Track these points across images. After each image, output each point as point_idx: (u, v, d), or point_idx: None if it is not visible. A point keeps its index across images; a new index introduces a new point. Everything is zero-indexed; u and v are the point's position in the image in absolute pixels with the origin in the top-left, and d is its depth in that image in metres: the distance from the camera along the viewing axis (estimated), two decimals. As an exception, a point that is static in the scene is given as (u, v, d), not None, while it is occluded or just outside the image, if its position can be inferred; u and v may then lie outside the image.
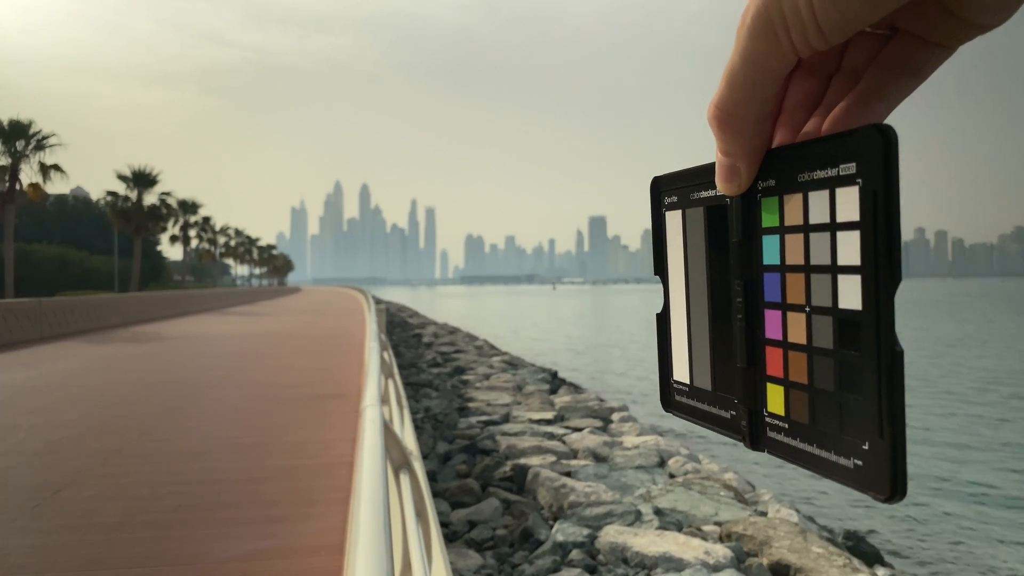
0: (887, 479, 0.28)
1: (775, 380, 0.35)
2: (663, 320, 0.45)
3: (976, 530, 6.93)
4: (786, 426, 0.34)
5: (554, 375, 15.58)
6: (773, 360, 0.35)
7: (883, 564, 5.56)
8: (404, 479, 2.72)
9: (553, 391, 13.10)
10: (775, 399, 0.35)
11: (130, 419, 5.59)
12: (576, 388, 14.00)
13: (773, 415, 0.35)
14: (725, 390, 0.39)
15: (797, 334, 0.33)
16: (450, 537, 5.21)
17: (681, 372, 0.44)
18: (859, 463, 0.30)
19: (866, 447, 0.29)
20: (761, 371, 0.36)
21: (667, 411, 0.46)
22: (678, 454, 7.85)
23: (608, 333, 37.43)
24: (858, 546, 5.74)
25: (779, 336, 0.35)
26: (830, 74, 0.35)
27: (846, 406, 0.30)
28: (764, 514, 5.84)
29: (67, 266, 38.57)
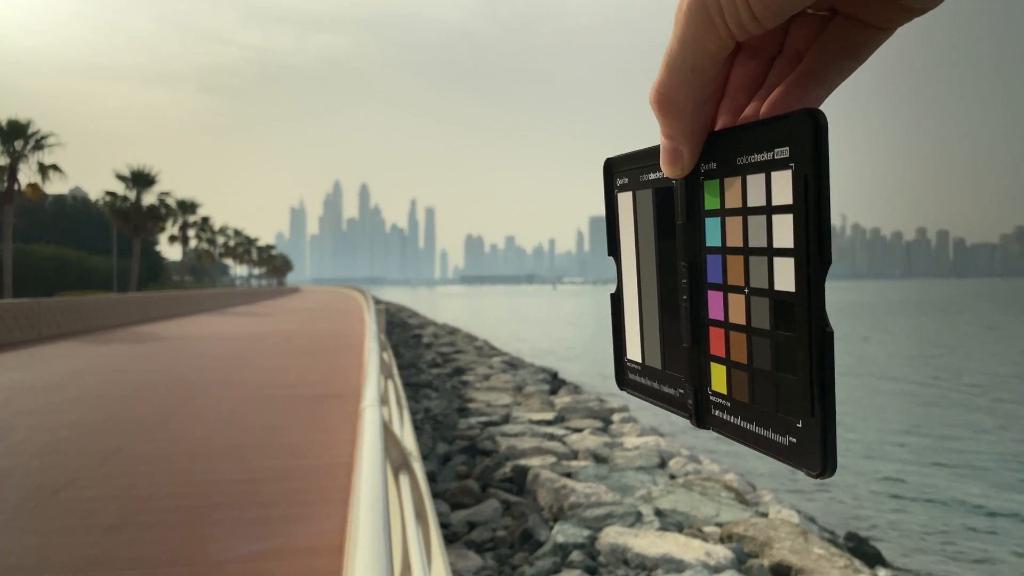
0: (818, 456, 0.29)
1: (718, 360, 0.36)
2: (617, 301, 0.46)
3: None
4: (728, 404, 0.35)
5: (554, 375, 15.57)
6: (716, 340, 0.36)
7: (884, 565, 5.55)
8: (404, 480, 2.71)
9: (553, 392, 13.09)
10: (718, 378, 0.36)
11: (129, 420, 5.57)
12: (576, 389, 14.00)
13: (716, 394, 0.36)
14: (674, 369, 0.40)
15: (737, 315, 0.34)
16: (450, 538, 5.20)
17: (634, 351, 0.45)
18: (793, 440, 0.30)
19: (799, 425, 0.30)
20: (705, 351, 0.37)
21: (621, 389, 0.47)
22: (679, 455, 7.85)
23: (608, 333, 37.40)
24: (859, 547, 5.73)
25: (721, 317, 0.35)
26: (773, 56, 0.35)
27: (782, 385, 0.31)
28: (765, 515, 5.83)
29: (66, 266, 38.55)
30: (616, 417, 10.23)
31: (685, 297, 0.38)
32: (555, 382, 14.45)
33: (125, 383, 7.64)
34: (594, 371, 20.34)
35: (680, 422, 12.35)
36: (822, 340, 0.29)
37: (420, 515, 2.60)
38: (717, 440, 10.95)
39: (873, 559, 5.59)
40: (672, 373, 0.40)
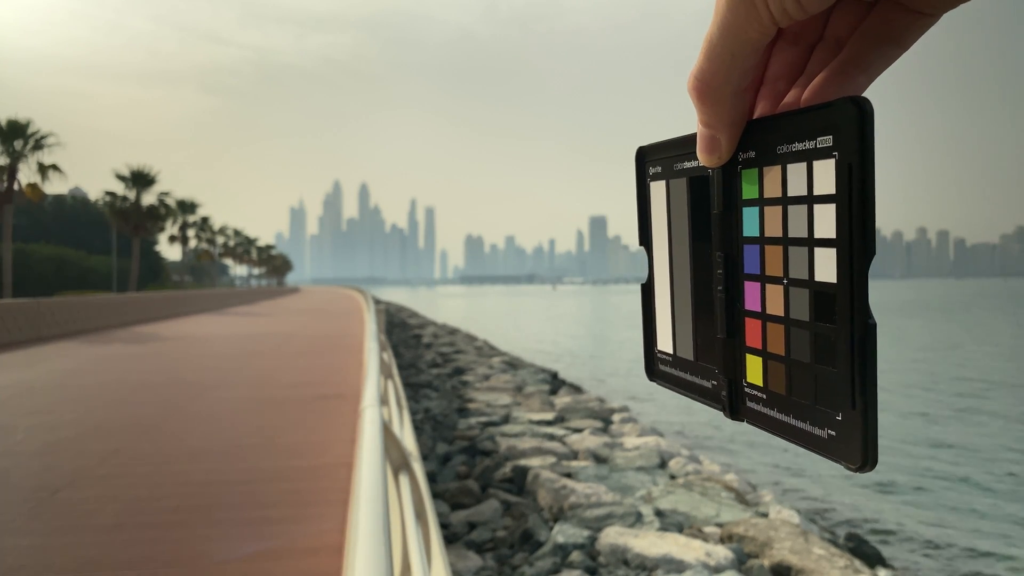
0: (858, 449, 0.29)
1: (754, 351, 0.35)
2: (647, 291, 0.45)
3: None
4: (764, 396, 0.35)
5: (554, 376, 15.56)
6: (752, 331, 0.35)
7: (885, 565, 5.55)
8: (404, 480, 2.71)
9: (553, 392, 13.09)
10: (754, 370, 0.35)
11: (128, 420, 5.57)
12: (576, 389, 13.99)
13: (752, 385, 0.36)
14: (706, 360, 0.40)
15: (775, 306, 0.34)
16: (450, 538, 5.19)
17: (665, 342, 0.44)
18: (832, 433, 0.30)
19: (839, 418, 0.30)
20: (740, 342, 0.36)
21: (651, 380, 0.47)
22: (679, 455, 7.84)
23: (608, 333, 37.43)
24: (860, 547, 5.73)
25: (758, 308, 0.35)
26: (813, 44, 0.34)
27: (821, 377, 0.31)
28: (765, 515, 5.83)
29: (65, 266, 38.52)
30: (616, 417, 10.22)
31: (720, 288, 0.37)
32: (555, 382, 14.44)
33: (124, 383, 7.64)
34: (594, 371, 20.35)
35: (680, 422, 12.35)
36: (864, 332, 0.28)
37: (420, 515, 2.60)
38: (717, 439, 10.95)
39: (873, 559, 5.58)
40: (705, 364, 0.40)
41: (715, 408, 0.39)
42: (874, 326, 0.28)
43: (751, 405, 0.36)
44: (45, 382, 7.84)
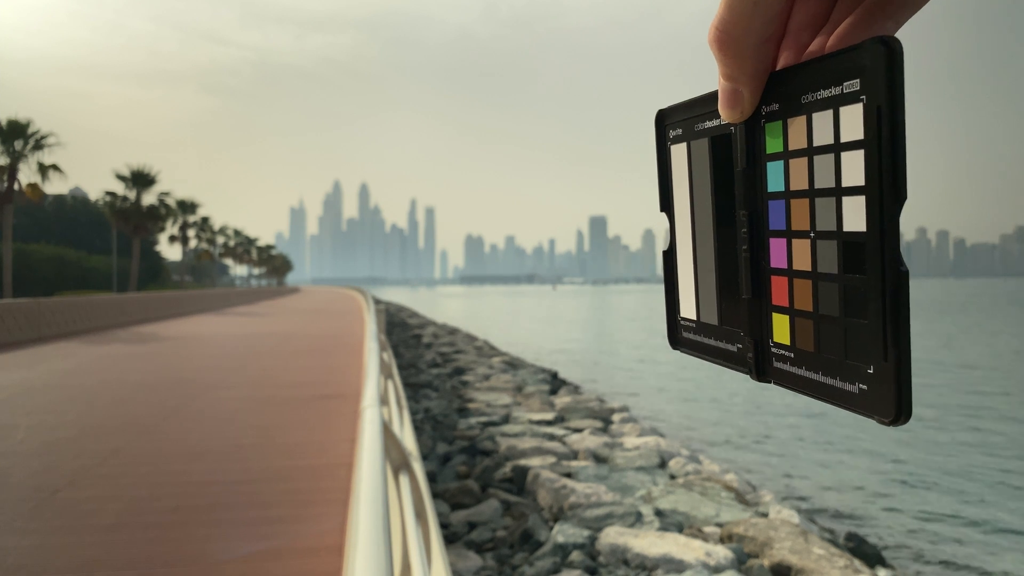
0: (892, 401, 0.28)
1: (780, 310, 0.35)
2: (669, 257, 0.44)
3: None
4: (792, 355, 0.34)
5: (554, 376, 15.56)
6: (778, 289, 0.35)
7: (884, 565, 5.55)
8: (404, 480, 2.71)
9: (553, 392, 13.09)
10: (780, 329, 0.35)
11: (128, 420, 5.57)
12: (576, 389, 13.99)
13: (779, 345, 0.35)
14: (731, 323, 0.39)
15: (802, 261, 0.33)
16: (450, 538, 5.19)
17: (688, 309, 0.43)
18: (864, 387, 0.29)
19: (871, 371, 0.29)
20: (766, 301, 0.36)
21: (674, 348, 0.45)
22: (679, 455, 7.84)
23: (608, 333, 37.43)
24: (859, 547, 5.73)
25: (784, 265, 0.34)
26: None
27: (851, 331, 0.30)
28: (765, 515, 5.83)
29: (65, 266, 38.51)
30: (616, 417, 10.22)
31: (745, 247, 0.36)
32: (555, 382, 14.44)
33: (124, 383, 7.64)
34: (594, 371, 20.34)
35: (678, 421, 12.35)
36: (896, 280, 0.28)
37: (420, 515, 2.60)
38: (717, 439, 10.94)
39: (873, 559, 5.58)
40: (730, 328, 0.39)
41: (741, 371, 0.38)
42: (906, 273, 0.28)
43: (778, 365, 0.35)
44: (45, 382, 7.84)
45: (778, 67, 0.34)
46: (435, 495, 6.07)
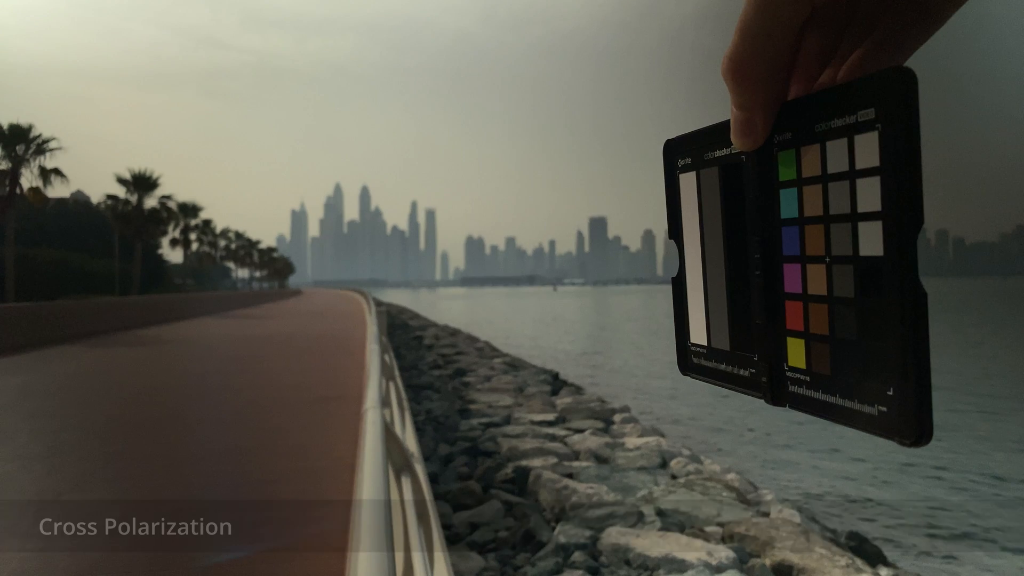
0: (913, 423, 0.28)
1: (795, 334, 0.35)
2: (679, 284, 0.44)
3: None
4: (807, 379, 0.34)
5: (555, 376, 15.55)
6: (793, 314, 0.35)
7: (886, 564, 5.55)
8: (405, 481, 2.72)
9: (554, 392, 13.09)
10: (796, 353, 0.35)
11: (131, 423, 5.58)
12: (577, 389, 13.99)
13: (794, 369, 0.35)
14: (744, 348, 0.39)
15: (817, 286, 0.33)
16: (452, 539, 5.20)
17: (698, 335, 0.43)
18: (883, 409, 0.29)
19: (890, 392, 0.29)
20: (780, 326, 0.36)
21: (685, 374, 0.45)
22: (680, 455, 7.84)
23: (608, 333, 37.40)
24: (861, 547, 5.73)
25: (798, 289, 0.34)
26: (845, 24, 0.34)
27: (870, 353, 0.30)
28: (766, 515, 5.83)
29: (68, 270, 38.51)
30: (617, 418, 10.22)
31: (758, 272, 0.36)
32: (556, 383, 14.44)
33: (127, 386, 7.65)
34: (594, 371, 20.33)
35: (678, 420, 12.35)
36: (915, 302, 0.28)
37: (422, 516, 2.61)
38: (717, 439, 10.94)
39: (875, 558, 5.58)
40: (742, 353, 0.39)
41: (755, 396, 0.38)
42: (925, 295, 0.28)
43: (794, 389, 0.35)
44: (48, 386, 7.86)
45: (789, 98, 0.34)
46: (437, 496, 6.07)
